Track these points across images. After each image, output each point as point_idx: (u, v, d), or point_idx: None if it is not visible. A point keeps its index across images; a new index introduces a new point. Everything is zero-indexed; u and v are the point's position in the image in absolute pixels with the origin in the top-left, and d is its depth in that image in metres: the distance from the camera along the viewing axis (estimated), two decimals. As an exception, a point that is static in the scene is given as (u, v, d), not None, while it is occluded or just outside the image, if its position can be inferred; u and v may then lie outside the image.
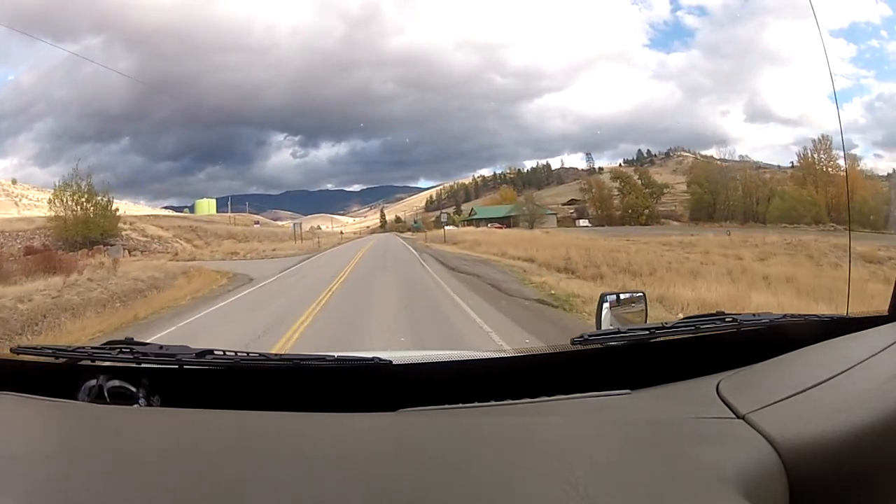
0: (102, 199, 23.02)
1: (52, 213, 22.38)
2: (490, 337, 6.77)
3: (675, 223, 28.72)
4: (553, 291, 10.70)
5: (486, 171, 35.54)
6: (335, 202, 37.78)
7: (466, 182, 35.44)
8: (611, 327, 1.42)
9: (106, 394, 1.03)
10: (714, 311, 1.28)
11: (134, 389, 1.04)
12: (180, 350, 1.10)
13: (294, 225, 30.64)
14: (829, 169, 25.10)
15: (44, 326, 9.71)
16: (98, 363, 1.10)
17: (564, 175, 33.43)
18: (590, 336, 1.13)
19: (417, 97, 35.61)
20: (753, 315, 1.25)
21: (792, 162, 27.97)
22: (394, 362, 1.05)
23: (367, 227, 36.07)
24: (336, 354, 1.09)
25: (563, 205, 31.13)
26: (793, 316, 1.26)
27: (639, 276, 15.50)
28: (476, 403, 0.99)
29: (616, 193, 31.27)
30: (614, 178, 31.61)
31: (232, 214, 30.49)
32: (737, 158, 29.27)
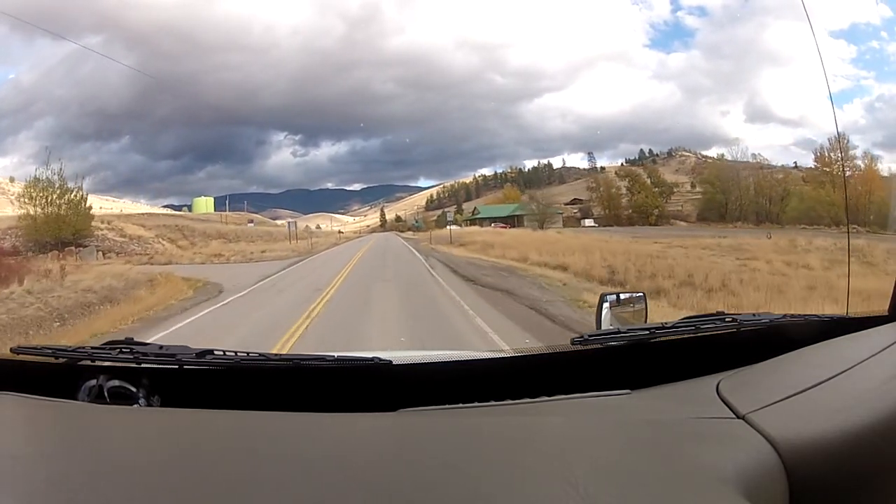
0: (76, 196, 20.65)
1: (23, 212, 20.12)
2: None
3: (683, 223, 28.25)
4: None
5: (487, 171, 35.55)
6: (335, 201, 37.82)
7: (467, 181, 35.45)
8: (611, 327, 1.42)
9: (106, 394, 1.03)
10: (714, 311, 1.28)
11: (134, 389, 1.04)
12: (180, 350, 1.10)
13: (289, 224, 29.39)
14: (847, 169, 24.49)
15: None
16: (98, 363, 1.10)
17: (566, 174, 33.37)
18: (590, 336, 1.13)
19: (417, 97, 35.67)
20: (753, 315, 1.25)
21: (796, 162, 27.67)
22: (394, 362, 1.06)
23: (368, 226, 36.07)
24: (336, 354, 1.09)
25: (566, 204, 30.85)
26: (793, 316, 1.26)
27: (712, 291, 12.54)
28: (476, 403, 0.99)
29: (624, 192, 30.52)
30: (622, 176, 30.94)
31: (224, 213, 29.79)
32: (749, 157, 28.54)
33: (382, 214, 36.20)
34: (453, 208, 33.04)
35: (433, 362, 1.18)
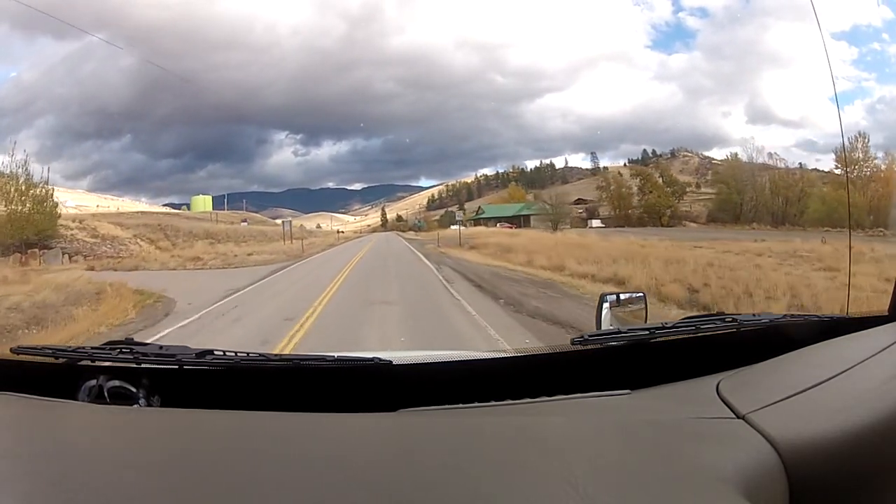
0: (41, 191, 18.17)
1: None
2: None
3: (693, 224, 27.53)
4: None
5: (488, 171, 35.46)
6: (336, 200, 37.81)
7: (468, 181, 35.40)
8: (611, 327, 1.42)
9: (106, 394, 1.03)
10: (714, 311, 1.28)
11: (134, 389, 1.04)
12: (180, 350, 1.10)
13: (284, 223, 27.18)
14: (867, 169, 23.28)
15: None
16: (98, 363, 1.10)
17: (569, 174, 33.30)
18: (590, 336, 1.13)
19: (418, 96, 35.59)
20: (753, 315, 1.25)
21: (801, 163, 27.26)
22: (394, 362, 1.06)
23: (368, 225, 36.05)
24: (336, 355, 1.09)
25: (570, 204, 30.74)
26: (793, 316, 1.26)
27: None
28: (476, 403, 0.99)
29: (635, 192, 29.47)
30: (633, 175, 30.02)
31: (215, 212, 29.12)
32: (765, 156, 27.24)
33: (383, 214, 36.18)
34: (455, 208, 32.90)
35: (433, 362, 1.18)
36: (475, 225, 29.60)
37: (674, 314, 8.44)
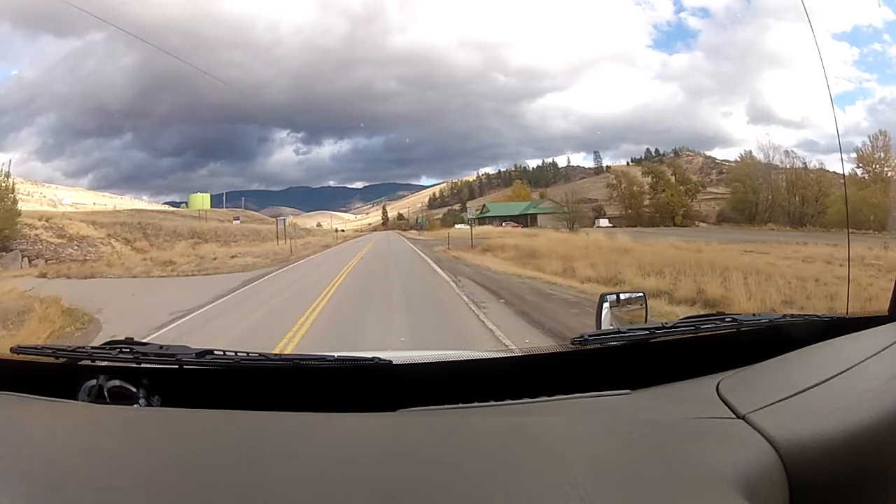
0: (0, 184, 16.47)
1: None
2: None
3: (704, 224, 26.93)
4: None
5: (490, 170, 35.41)
6: (337, 199, 37.79)
7: (470, 179, 35.37)
8: (611, 327, 1.42)
9: (106, 394, 1.03)
10: (714, 311, 1.28)
11: (134, 389, 1.04)
12: (180, 350, 1.10)
13: (278, 222, 25.70)
14: (888, 170, 22.30)
15: None
16: (98, 363, 1.10)
17: (571, 173, 33.21)
18: (590, 336, 1.13)
19: (419, 95, 35.54)
20: (753, 315, 1.25)
21: (805, 163, 26.89)
22: (394, 362, 1.06)
23: (369, 224, 36.04)
24: (336, 354, 1.09)
25: (577, 203, 30.43)
26: (793, 316, 1.25)
27: None
28: (476, 403, 0.99)
29: (647, 190, 28.49)
30: (646, 172, 29.00)
31: (205, 209, 28.57)
32: (782, 154, 26.29)
33: (384, 212, 36.17)
34: (457, 206, 32.69)
35: (433, 362, 1.18)
36: (480, 224, 28.81)
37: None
